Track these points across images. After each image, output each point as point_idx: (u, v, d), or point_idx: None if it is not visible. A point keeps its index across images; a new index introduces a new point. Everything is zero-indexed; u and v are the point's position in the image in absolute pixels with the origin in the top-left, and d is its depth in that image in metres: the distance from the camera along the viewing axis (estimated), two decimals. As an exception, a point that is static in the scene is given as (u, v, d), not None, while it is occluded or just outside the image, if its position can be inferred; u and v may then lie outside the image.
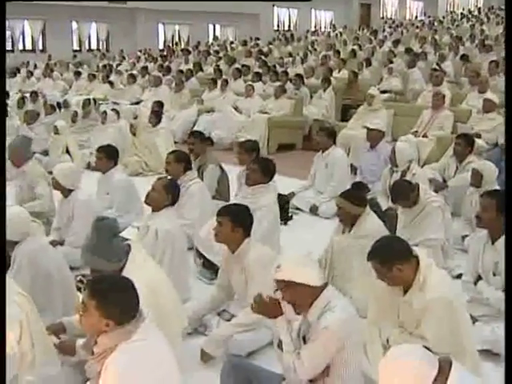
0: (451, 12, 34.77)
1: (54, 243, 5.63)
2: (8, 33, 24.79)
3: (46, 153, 9.88)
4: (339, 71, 14.37)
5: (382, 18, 36.40)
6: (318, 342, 3.09)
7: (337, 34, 25.43)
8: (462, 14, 31.68)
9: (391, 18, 35.84)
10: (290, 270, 3.14)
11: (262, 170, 5.69)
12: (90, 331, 2.84)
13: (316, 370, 3.15)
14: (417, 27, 25.69)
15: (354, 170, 8.10)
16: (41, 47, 25.65)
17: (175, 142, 10.82)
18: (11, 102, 13.55)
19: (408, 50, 15.92)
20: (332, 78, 12.71)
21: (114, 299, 2.70)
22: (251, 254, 4.17)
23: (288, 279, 3.14)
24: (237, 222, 4.17)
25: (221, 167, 7.10)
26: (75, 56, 23.77)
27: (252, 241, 4.27)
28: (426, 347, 2.41)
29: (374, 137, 7.82)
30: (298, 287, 3.12)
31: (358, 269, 4.63)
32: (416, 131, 9.10)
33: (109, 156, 6.73)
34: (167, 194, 4.89)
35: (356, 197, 4.95)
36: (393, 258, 3.51)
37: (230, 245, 4.24)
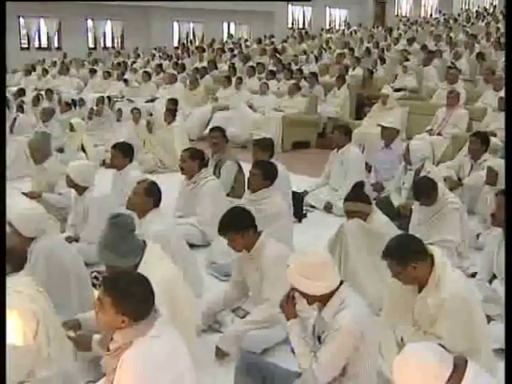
0: (466, 10, 34.55)
1: (69, 239, 5.67)
2: (24, 31, 24.94)
3: (60, 150, 9.93)
4: (353, 69, 14.33)
5: (397, 15, 36.24)
6: (335, 343, 3.09)
7: (351, 32, 25.36)
8: (477, 11, 31.50)
9: (406, 16, 35.69)
10: (299, 281, 3.15)
11: (264, 175, 5.58)
12: (105, 327, 2.85)
13: (335, 371, 3.16)
14: (432, 25, 25.56)
15: (368, 168, 8.08)
16: (56, 45, 25.74)
17: (190, 140, 10.84)
18: (27, 99, 13.62)
19: (423, 48, 15.86)
20: (346, 76, 12.69)
21: (130, 296, 2.71)
22: (266, 251, 4.18)
23: (294, 287, 3.17)
24: (242, 229, 4.15)
25: (238, 164, 7.10)
26: (90, 54, 23.85)
27: (266, 238, 4.26)
28: (441, 345, 2.41)
29: (389, 135, 7.79)
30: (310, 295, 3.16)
31: (372, 266, 4.62)
32: (431, 129, 9.07)
33: (124, 153, 6.75)
34: (148, 197, 4.80)
35: (365, 195, 4.99)
36: (408, 257, 3.50)
37: (248, 248, 4.24)
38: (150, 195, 4.81)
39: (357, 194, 5.00)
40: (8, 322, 3.26)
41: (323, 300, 3.17)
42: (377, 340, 3.41)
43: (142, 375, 2.64)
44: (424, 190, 5.42)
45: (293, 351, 3.38)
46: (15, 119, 10.15)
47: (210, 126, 11.16)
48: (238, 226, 4.15)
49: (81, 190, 5.83)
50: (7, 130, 10.19)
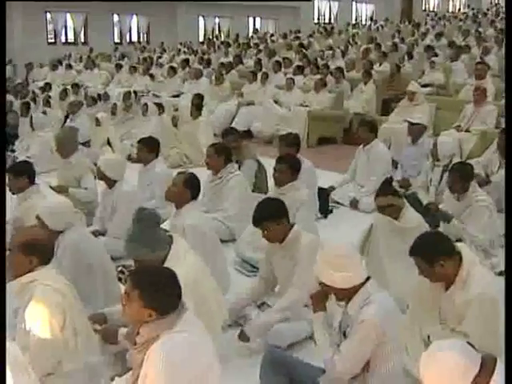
0: (496, 4, 34.07)
1: (96, 233, 5.72)
2: (50, 26, 25.14)
3: (87, 144, 9.99)
4: (380, 65, 14.22)
5: (424, 10, 35.90)
6: (357, 337, 3.08)
7: (378, 27, 25.17)
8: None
9: (433, 11, 35.32)
10: (325, 274, 3.15)
11: (291, 169, 5.60)
12: (132, 321, 2.86)
13: (356, 366, 3.14)
14: (460, 20, 25.26)
15: (394, 164, 8.02)
16: (82, 40, 25.92)
17: (215, 135, 10.85)
18: (53, 93, 13.74)
19: (451, 44, 15.68)
20: (373, 72, 12.60)
21: (157, 289, 2.72)
22: (302, 241, 4.19)
23: (321, 281, 3.17)
24: (278, 217, 4.18)
25: (258, 161, 7.09)
26: (116, 48, 23.98)
27: (299, 228, 4.28)
28: (469, 343, 2.38)
29: (416, 131, 7.73)
30: (329, 288, 3.16)
31: (401, 263, 4.58)
32: (459, 125, 8.96)
33: (150, 148, 6.78)
34: (187, 189, 4.81)
35: (395, 189, 4.98)
36: (435, 254, 3.48)
37: (281, 239, 4.24)
38: (188, 187, 4.82)
39: (386, 188, 4.97)
40: (36, 314, 3.29)
41: (349, 295, 3.15)
42: (403, 337, 3.39)
43: (168, 369, 2.64)
44: (462, 176, 5.34)
45: (315, 343, 3.37)
46: (32, 117, 10.21)
47: (235, 122, 11.22)
48: (274, 215, 4.18)
49: (111, 183, 5.88)
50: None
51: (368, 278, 3.19)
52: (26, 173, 5.51)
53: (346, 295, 3.17)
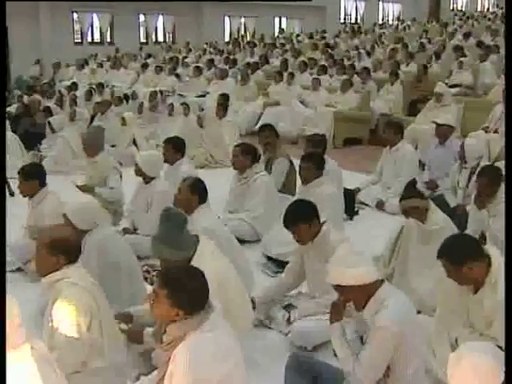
0: (525, 4, 33.60)
1: (127, 231, 5.76)
2: (77, 26, 25.34)
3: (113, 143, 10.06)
4: (407, 65, 14.12)
5: (452, 10, 35.55)
6: (375, 343, 3.06)
7: (405, 27, 24.98)
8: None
9: (462, 10, 34.95)
10: (336, 273, 3.13)
11: (316, 166, 5.60)
12: (159, 320, 2.88)
13: (377, 373, 3.11)
14: (489, 19, 24.93)
15: (421, 165, 7.96)
16: (109, 40, 26.08)
17: (240, 135, 10.85)
18: (79, 93, 13.85)
19: (479, 43, 15.51)
20: (400, 72, 12.51)
21: (185, 289, 2.73)
22: (332, 240, 4.15)
23: (336, 283, 3.15)
24: (309, 219, 4.17)
25: (290, 160, 7.07)
26: (141, 48, 24.08)
27: (330, 227, 4.26)
28: (498, 346, 2.34)
29: (444, 132, 7.65)
30: (348, 288, 3.11)
31: (428, 266, 4.54)
32: (487, 127, 8.87)
33: (176, 147, 6.80)
34: (194, 194, 4.78)
35: (419, 192, 4.95)
36: (463, 257, 3.44)
37: (312, 238, 4.23)
38: (194, 192, 4.77)
39: (410, 191, 4.95)
40: (62, 313, 3.31)
41: (365, 298, 3.13)
42: (424, 341, 3.35)
43: (195, 369, 2.65)
44: (491, 179, 5.27)
45: (335, 354, 3.34)
46: (49, 122, 10.27)
47: (260, 122, 11.20)
48: (305, 217, 4.17)
49: (148, 179, 5.91)
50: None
51: (382, 281, 3.17)
52: (36, 176, 5.50)
53: (362, 299, 3.14)
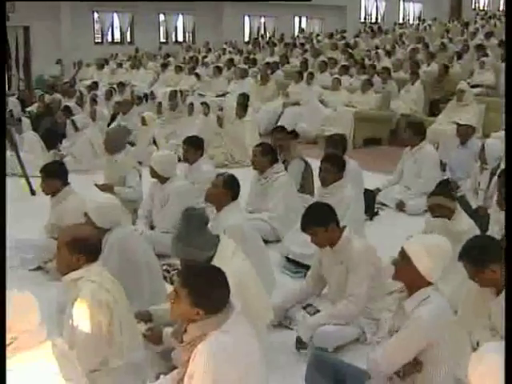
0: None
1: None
2: (97, 26, 25.47)
3: (132, 143, 10.09)
4: (428, 65, 14.02)
5: (474, 9, 35.21)
6: (406, 331, 3.09)
7: (426, 27, 24.82)
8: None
9: (483, 10, 34.64)
10: (416, 247, 3.17)
11: (336, 168, 5.54)
12: (180, 318, 2.87)
13: (397, 360, 3.13)
14: (511, 19, 24.69)
15: (442, 166, 7.90)
16: (129, 39, 26.18)
17: (260, 135, 10.84)
18: (99, 92, 13.93)
19: (501, 43, 15.36)
20: (421, 72, 12.43)
21: (206, 288, 2.72)
22: (354, 246, 4.16)
23: (409, 255, 3.17)
24: (326, 223, 4.16)
25: (305, 161, 7.05)
26: (160, 48, 24.14)
27: (350, 232, 4.25)
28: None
29: (465, 133, 7.60)
30: (411, 268, 3.14)
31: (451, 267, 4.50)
32: (509, 127, 8.76)
33: (195, 147, 6.81)
34: (227, 190, 4.78)
35: (450, 192, 4.93)
36: (486, 259, 3.41)
37: (332, 243, 4.22)
38: (228, 188, 4.79)
39: (441, 189, 4.96)
40: (83, 311, 3.32)
41: (414, 289, 3.17)
42: (455, 346, 3.32)
43: (215, 369, 2.65)
44: None
45: None
46: (73, 121, 10.33)
47: (280, 122, 11.19)
48: (322, 220, 4.16)
49: (162, 180, 5.92)
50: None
51: (430, 283, 3.20)
52: (58, 174, 5.52)
53: (413, 286, 3.18)
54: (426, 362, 3.09)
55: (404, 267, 3.19)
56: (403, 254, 3.22)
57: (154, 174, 5.96)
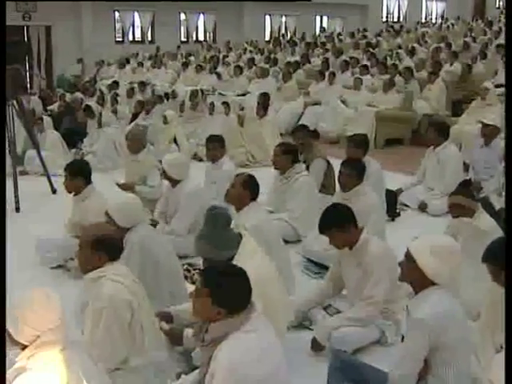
0: None
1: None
2: (118, 25, 25.58)
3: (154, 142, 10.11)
4: (451, 64, 13.89)
5: (498, 7, 34.78)
6: (410, 336, 3.08)
7: (448, 26, 24.61)
8: None
9: (507, 9, 34.29)
10: (420, 249, 3.16)
11: (356, 172, 5.47)
12: (201, 318, 2.86)
13: (412, 366, 3.11)
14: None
15: (465, 167, 7.81)
16: (150, 38, 26.26)
17: (281, 134, 10.81)
18: (120, 91, 13.99)
19: (526, 42, 15.18)
20: (443, 72, 12.31)
21: (228, 288, 2.72)
22: (372, 248, 4.13)
23: (413, 255, 3.15)
24: (345, 224, 4.15)
25: (327, 161, 7.00)
26: (179, 47, 24.17)
27: (369, 234, 4.22)
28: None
29: (489, 133, 7.50)
30: (415, 268, 3.13)
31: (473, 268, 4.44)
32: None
33: (218, 146, 6.80)
34: (246, 190, 4.77)
35: (471, 192, 4.87)
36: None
37: (350, 245, 4.20)
38: (247, 188, 4.78)
39: (462, 188, 4.90)
40: (104, 309, 3.32)
41: (419, 289, 3.16)
42: (470, 346, 3.28)
43: (237, 369, 2.64)
44: None
45: None
46: (101, 113, 10.39)
47: (301, 121, 11.14)
48: (340, 222, 4.15)
49: (174, 182, 5.91)
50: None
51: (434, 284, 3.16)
52: (83, 173, 5.52)
53: (417, 286, 3.17)
54: (436, 363, 3.08)
55: (409, 267, 3.18)
56: (408, 254, 3.20)
57: (166, 175, 5.96)
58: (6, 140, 7.54)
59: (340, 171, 5.58)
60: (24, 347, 2.74)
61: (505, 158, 4.63)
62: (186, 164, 6.17)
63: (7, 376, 2.70)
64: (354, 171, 5.46)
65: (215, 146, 6.78)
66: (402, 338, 3.23)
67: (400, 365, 3.14)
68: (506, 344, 2.48)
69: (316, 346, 4.13)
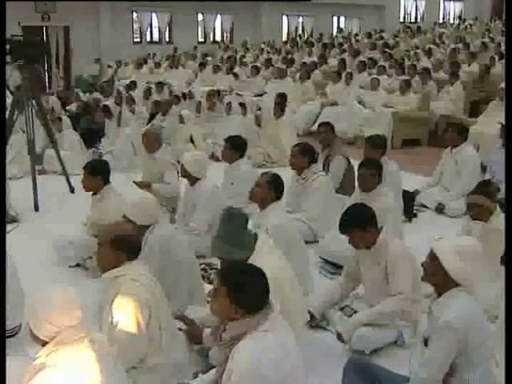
0: None
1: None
2: (136, 25, 25.68)
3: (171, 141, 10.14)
4: (469, 65, 13.81)
5: (516, 8, 34.63)
6: (437, 341, 3.03)
7: (466, 26, 24.46)
8: None
9: (526, 9, 34.00)
10: (445, 249, 3.13)
11: (374, 173, 5.45)
12: (219, 317, 2.88)
13: (439, 371, 3.06)
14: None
15: (483, 168, 7.76)
16: (167, 39, 26.32)
17: (298, 135, 10.80)
18: (138, 92, 14.04)
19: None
20: (461, 72, 12.24)
21: (246, 288, 2.72)
22: (393, 248, 4.13)
23: (437, 255, 3.12)
24: (364, 224, 4.15)
25: (348, 160, 6.99)
26: (196, 47, 24.22)
27: (388, 235, 4.22)
28: None
29: (509, 134, 7.44)
30: (438, 268, 3.10)
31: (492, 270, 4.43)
32: (553, 129, 8.58)
33: (236, 147, 6.80)
34: (271, 189, 4.78)
35: (491, 192, 4.84)
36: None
37: (369, 245, 4.20)
38: (272, 187, 4.80)
39: (481, 188, 4.88)
40: (122, 309, 3.34)
41: (442, 290, 3.13)
42: (492, 349, 3.26)
43: (254, 368, 2.64)
44: None
45: None
46: (120, 112, 10.44)
47: (318, 122, 11.12)
48: (362, 222, 4.15)
49: (193, 180, 5.92)
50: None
51: (458, 285, 3.12)
52: (102, 172, 5.54)
53: (441, 287, 3.14)
54: (459, 364, 3.05)
55: (432, 268, 3.15)
56: (432, 254, 3.18)
57: (184, 173, 5.95)
58: (26, 139, 7.61)
59: (361, 172, 5.57)
60: (44, 344, 2.77)
61: (505, 158, 4.60)
62: (205, 162, 6.19)
63: (27, 374, 2.72)
64: (371, 171, 5.46)
65: (231, 147, 6.78)
66: (425, 341, 3.17)
67: (425, 368, 3.09)
68: (506, 344, 2.46)
69: (341, 338, 4.15)
